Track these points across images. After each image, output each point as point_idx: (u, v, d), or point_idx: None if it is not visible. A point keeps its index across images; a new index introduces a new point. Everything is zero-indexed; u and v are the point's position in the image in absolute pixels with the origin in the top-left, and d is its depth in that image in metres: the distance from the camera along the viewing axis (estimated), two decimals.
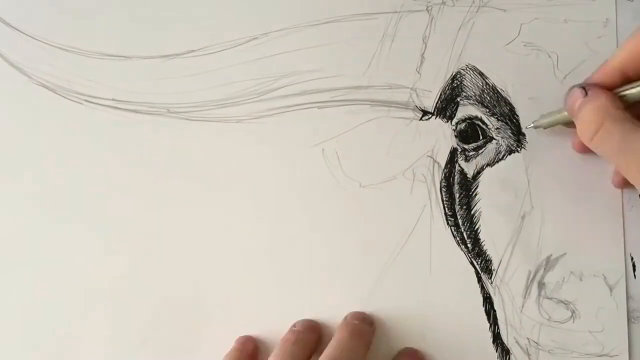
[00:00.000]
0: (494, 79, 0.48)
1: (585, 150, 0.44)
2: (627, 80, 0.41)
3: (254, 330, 0.47)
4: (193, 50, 0.49)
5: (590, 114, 0.41)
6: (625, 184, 0.45)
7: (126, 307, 0.47)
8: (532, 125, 0.46)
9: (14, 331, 0.47)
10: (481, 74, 0.48)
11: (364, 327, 0.45)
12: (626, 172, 0.40)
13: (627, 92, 0.41)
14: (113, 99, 0.48)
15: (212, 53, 0.49)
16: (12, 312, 0.47)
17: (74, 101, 0.48)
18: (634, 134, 0.39)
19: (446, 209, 0.47)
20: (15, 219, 0.48)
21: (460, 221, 0.47)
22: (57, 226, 0.48)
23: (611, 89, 0.42)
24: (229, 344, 0.46)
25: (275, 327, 0.46)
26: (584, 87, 0.42)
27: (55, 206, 0.48)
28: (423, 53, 0.48)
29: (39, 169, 0.48)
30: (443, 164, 0.48)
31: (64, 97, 0.48)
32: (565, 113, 0.43)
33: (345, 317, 0.46)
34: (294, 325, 0.46)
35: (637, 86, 0.41)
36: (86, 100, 0.48)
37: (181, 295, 0.47)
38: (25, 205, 0.48)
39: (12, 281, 0.47)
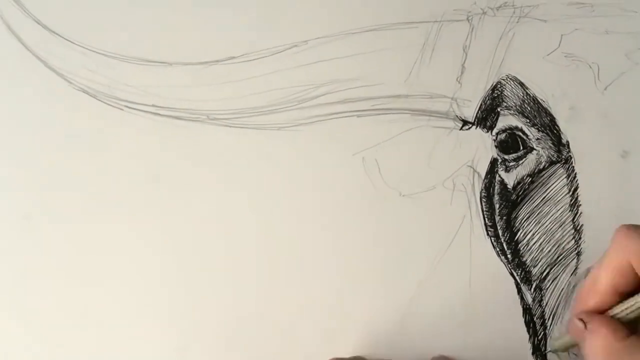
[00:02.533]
0: (535, 89, 0.48)
1: None
2: (621, 295, 0.39)
3: (283, 340, 0.47)
4: (233, 57, 0.49)
5: (594, 352, 0.38)
6: None
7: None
8: (548, 350, 0.46)
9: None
10: (522, 85, 0.48)
11: None
12: None
13: (622, 311, 0.38)
14: (154, 105, 0.48)
15: (252, 60, 0.49)
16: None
17: (114, 107, 0.48)
18: None
19: (486, 219, 0.47)
20: (58, 227, 0.47)
21: (500, 232, 0.47)
22: (94, 231, 0.48)
23: (608, 308, 0.39)
24: None
25: (310, 335, 0.46)
26: (582, 319, 0.39)
27: (94, 212, 0.48)
28: (464, 63, 0.48)
29: (79, 174, 0.48)
30: (483, 174, 0.47)
31: (104, 103, 0.48)
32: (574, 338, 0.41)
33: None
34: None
35: (630, 303, 0.38)
36: (127, 107, 0.48)
37: (215, 304, 0.47)
38: (65, 212, 0.48)
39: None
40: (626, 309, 0.38)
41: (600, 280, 0.39)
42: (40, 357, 0.46)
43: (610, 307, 0.39)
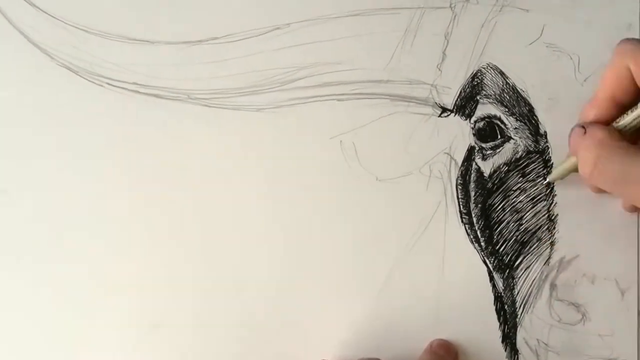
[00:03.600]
0: (515, 78, 0.48)
1: (600, 191, 0.45)
2: (622, 108, 0.41)
3: (254, 320, 0.47)
4: (216, 38, 0.49)
5: (586, 151, 0.41)
6: (635, 209, 0.45)
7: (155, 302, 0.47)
8: (547, 181, 0.46)
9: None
10: (502, 73, 0.48)
11: (449, 358, 0.45)
12: (633, 200, 0.40)
13: (622, 121, 0.41)
14: (135, 83, 0.48)
15: (234, 41, 0.49)
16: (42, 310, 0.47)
17: (95, 83, 0.49)
18: (634, 162, 0.38)
19: (461, 206, 0.47)
20: (31, 204, 0.48)
21: (474, 219, 0.47)
22: (72, 214, 0.48)
23: (609, 122, 0.42)
24: None
25: (282, 319, 0.47)
26: (583, 126, 0.42)
27: (71, 188, 0.48)
28: (445, 50, 0.48)
29: (59, 149, 0.48)
30: (460, 162, 0.48)
31: (86, 79, 0.49)
32: (574, 159, 0.43)
33: (431, 345, 0.46)
34: (431, 345, 0.46)
35: (631, 113, 0.41)
36: (108, 84, 0.49)
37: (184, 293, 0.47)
38: (43, 188, 0.48)
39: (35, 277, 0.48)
40: (625, 121, 0.41)
41: (599, 93, 0.41)
42: (20, 335, 0.47)
43: (611, 121, 0.41)
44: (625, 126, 0.41)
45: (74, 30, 0.49)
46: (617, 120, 0.42)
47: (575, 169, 0.44)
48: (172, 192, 0.48)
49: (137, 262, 0.47)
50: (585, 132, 0.41)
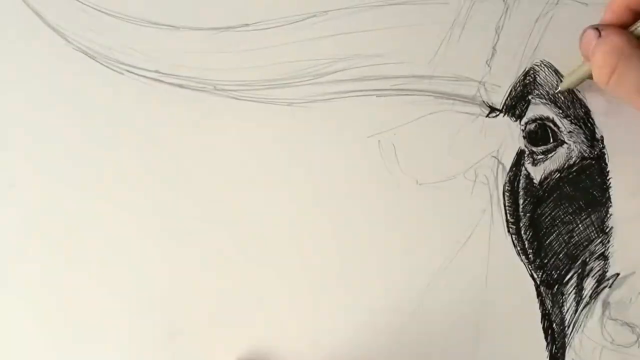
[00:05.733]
0: None
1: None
2: (635, 14, 0.39)
3: (291, 327, 0.44)
4: (247, 25, 0.45)
5: (604, 56, 0.38)
6: None
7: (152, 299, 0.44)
8: (559, 89, 0.42)
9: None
10: (556, 72, 0.44)
11: None
12: None
13: (638, 31, 0.39)
14: (157, 71, 0.45)
15: (266, 29, 0.45)
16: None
17: (115, 70, 0.45)
18: None
19: (508, 215, 0.44)
20: (39, 199, 0.44)
21: (522, 229, 0.44)
22: (86, 200, 0.44)
23: (625, 27, 0.39)
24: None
25: (315, 327, 0.43)
26: (597, 28, 0.39)
27: (87, 181, 0.44)
28: (495, 45, 0.44)
29: (73, 139, 0.45)
30: (508, 167, 0.44)
31: (104, 66, 0.45)
32: (587, 65, 0.40)
33: None
34: None
35: None
36: (128, 71, 0.45)
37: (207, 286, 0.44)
38: (53, 181, 0.44)
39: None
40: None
41: None
42: (26, 336, 0.44)
43: (624, 27, 0.39)
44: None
45: (92, 12, 0.45)
46: (633, 27, 0.39)
47: (589, 76, 0.41)
48: (194, 190, 0.44)
49: (161, 255, 0.44)
50: (600, 36, 0.38)
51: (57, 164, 0.45)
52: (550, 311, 0.43)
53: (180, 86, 0.45)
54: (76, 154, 0.45)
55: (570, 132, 0.44)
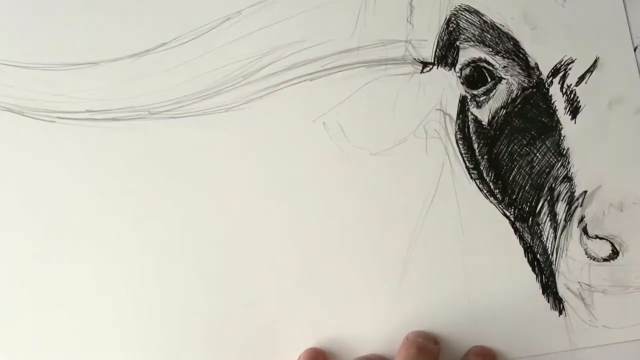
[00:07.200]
0: (492, 14, 0.44)
1: None
2: None
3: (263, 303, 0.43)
4: (164, 44, 0.44)
5: None
6: None
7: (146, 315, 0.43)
8: None
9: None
10: (477, 12, 0.44)
11: (430, 344, 0.41)
12: None
13: None
14: (87, 111, 0.44)
15: (185, 42, 0.44)
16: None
17: (44, 120, 0.44)
18: None
19: (467, 162, 0.44)
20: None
21: (484, 172, 0.44)
22: (46, 251, 0.43)
23: None
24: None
25: (292, 309, 0.43)
26: None
27: (41, 231, 0.44)
28: (411, 1, 0.44)
29: (19, 196, 0.44)
30: (455, 115, 0.44)
31: (33, 118, 0.44)
32: None
33: (407, 337, 0.42)
34: (407, 338, 0.42)
35: None
36: (58, 117, 0.44)
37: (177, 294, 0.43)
38: (10, 236, 0.44)
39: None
40: None
41: None
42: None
43: None
44: None
45: (8, 69, 0.44)
46: None
47: None
48: (152, 214, 0.44)
49: (128, 270, 0.43)
50: None
51: (6, 223, 0.44)
52: (531, 243, 0.43)
53: (115, 119, 0.44)
54: (29, 205, 0.44)
55: (505, 67, 0.44)
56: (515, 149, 0.44)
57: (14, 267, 0.44)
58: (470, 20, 0.44)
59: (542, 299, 0.43)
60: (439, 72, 0.44)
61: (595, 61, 0.44)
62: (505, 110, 0.44)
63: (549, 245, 0.43)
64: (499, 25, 0.44)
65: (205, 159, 0.44)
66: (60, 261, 0.44)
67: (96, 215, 0.44)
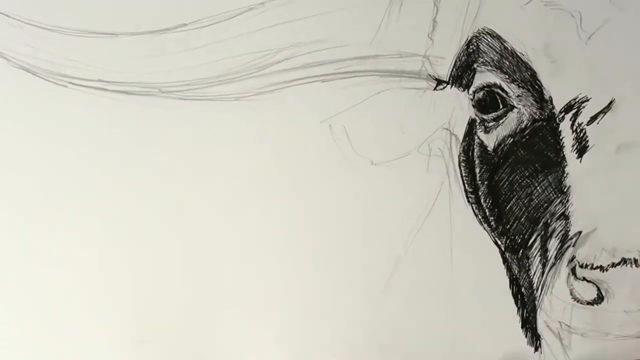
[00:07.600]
0: (513, 42, 0.44)
1: None
2: None
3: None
4: (185, 25, 0.45)
5: None
6: None
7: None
8: None
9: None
10: (499, 38, 0.44)
11: None
12: None
13: None
14: (100, 80, 0.44)
15: (205, 26, 0.45)
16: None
17: (57, 84, 0.45)
18: None
19: (466, 185, 0.44)
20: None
21: (482, 198, 0.44)
22: (44, 218, 0.44)
23: None
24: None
25: (286, 310, 0.43)
26: None
27: (39, 196, 0.44)
28: (435, 17, 0.44)
29: (25, 157, 0.44)
30: (461, 137, 0.44)
31: (47, 80, 0.45)
32: None
33: None
34: None
35: None
36: (71, 83, 0.44)
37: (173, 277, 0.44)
38: (14, 197, 0.44)
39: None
40: None
41: None
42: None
43: None
44: None
45: (28, 28, 0.45)
46: None
47: None
48: (147, 192, 0.44)
49: (117, 264, 0.44)
50: None
51: (6, 179, 0.44)
52: (518, 276, 0.43)
53: (125, 92, 0.44)
54: (31, 168, 0.44)
55: (518, 96, 0.44)
56: (516, 179, 0.43)
57: (15, 216, 0.44)
58: (491, 45, 0.44)
59: (521, 332, 0.43)
60: (452, 91, 0.44)
61: (611, 103, 0.43)
62: (512, 139, 0.43)
63: (535, 280, 0.43)
64: (519, 54, 0.44)
65: (206, 145, 0.44)
66: (60, 213, 0.44)
67: (94, 183, 0.44)
